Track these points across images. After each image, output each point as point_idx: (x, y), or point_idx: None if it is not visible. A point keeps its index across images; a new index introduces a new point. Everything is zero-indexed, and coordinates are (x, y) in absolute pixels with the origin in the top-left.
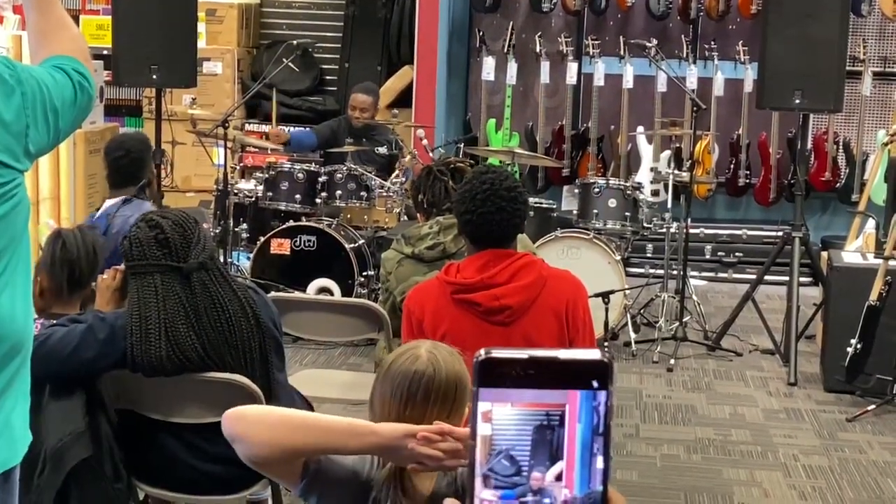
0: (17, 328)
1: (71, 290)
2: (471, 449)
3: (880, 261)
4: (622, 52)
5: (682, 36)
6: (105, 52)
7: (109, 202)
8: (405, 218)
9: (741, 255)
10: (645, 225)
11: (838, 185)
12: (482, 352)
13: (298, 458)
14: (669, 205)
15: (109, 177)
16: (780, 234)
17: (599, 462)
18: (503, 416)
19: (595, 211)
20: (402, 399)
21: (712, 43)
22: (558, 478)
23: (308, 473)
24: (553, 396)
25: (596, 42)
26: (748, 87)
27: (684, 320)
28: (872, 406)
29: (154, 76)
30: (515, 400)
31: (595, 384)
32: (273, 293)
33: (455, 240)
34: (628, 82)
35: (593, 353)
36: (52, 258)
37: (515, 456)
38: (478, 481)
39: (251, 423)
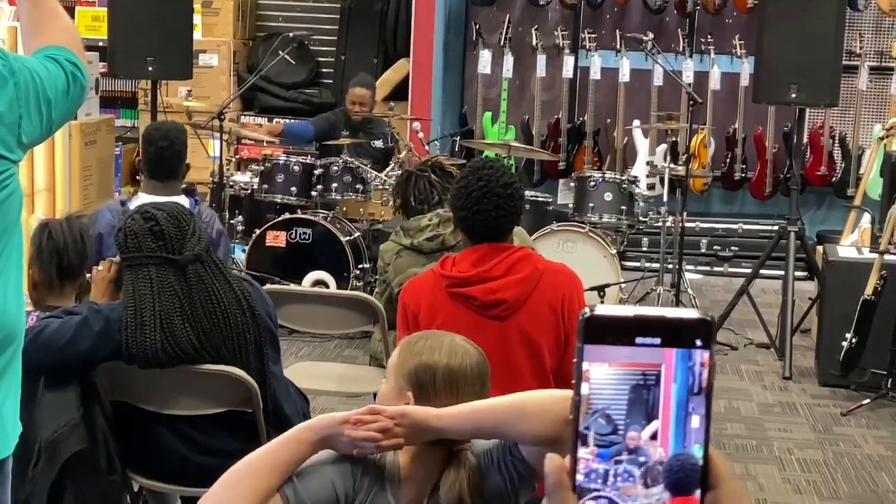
0: (9, 319)
1: (62, 281)
2: (574, 405)
3: (875, 255)
4: (619, 46)
5: (679, 30)
6: (101, 44)
7: (146, 196)
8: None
9: (737, 249)
10: (641, 218)
11: (834, 179)
12: (587, 309)
13: (268, 492)
14: (665, 198)
15: (150, 168)
16: (776, 228)
17: (694, 422)
18: (600, 376)
19: (591, 204)
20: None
21: (709, 37)
22: (653, 437)
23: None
24: (649, 356)
25: (592, 35)
26: (744, 81)
27: None
28: (867, 400)
29: (150, 68)
30: (612, 360)
31: (699, 343)
32: (268, 285)
33: (454, 232)
34: (625, 76)
35: (696, 313)
36: (40, 249)
37: (612, 415)
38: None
39: (217, 493)
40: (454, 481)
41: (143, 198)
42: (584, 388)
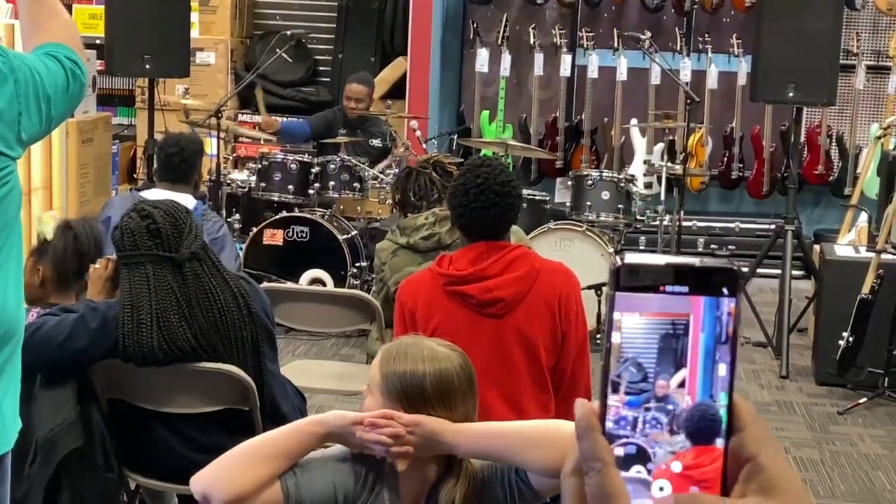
0: (9, 315)
1: (76, 281)
2: (605, 352)
3: (872, 254)
4: (616, 45)
5: (677, 28)
6: (98, 42)
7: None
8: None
9: (734, 247)
10: (638, 217)
11: (831, 178)
12: (617, 258)
13: (268, 478)
14: (662, 197)
15: (158, 170)
16: (773, 227)
17: (721, 370)
18: (631, 325)
19: (588, 203)
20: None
21: (706, 36)
22: (681, 385)
23: (290, 497)
24: (679, 306)
25: (590, 34)
26: (742, 79)
27: None
28: (864, 399)
29: (147, 66)
30: (643, 309)
31: (725, 291)
32: (265, 284)
33: (450, 231)
34: (622, 74)
35: (723, 262)
36: (62, 249)
37: (642, 363)
38: (608, 388)
39: (212, 471)
40: (453, 487)
41: (156, 192)
42: (616, 338)
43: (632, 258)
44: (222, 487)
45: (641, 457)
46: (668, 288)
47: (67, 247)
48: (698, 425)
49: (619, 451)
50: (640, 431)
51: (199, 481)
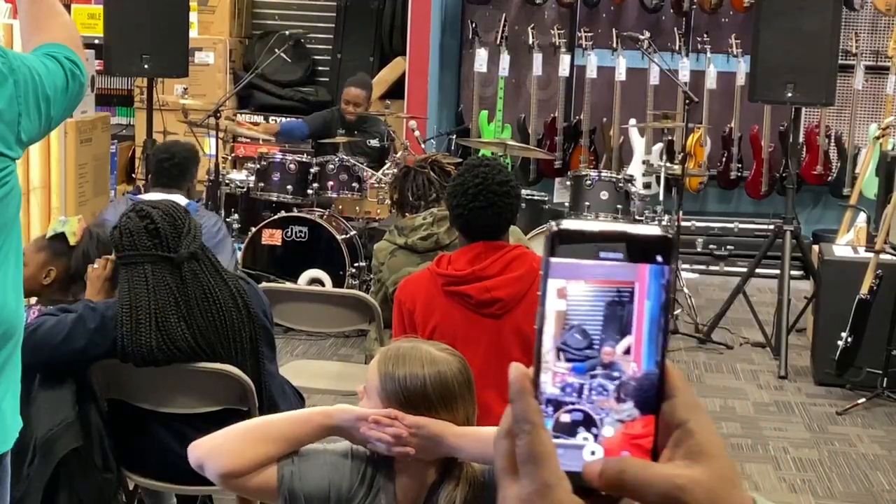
0: (8, 314)
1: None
2: (539, 316)
3: (871, 254)
4: (615, 45)
5: (675, 29)
6: (96, 42)
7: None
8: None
9: (732, 247)
10: (636, 217)
11: (830, 178)
12: (554, 223)
13: (265, 459)
14: (661, 197)
15: (152, 177)
16: (772, 227)
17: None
18: (577, 293)
19: (587, 203)
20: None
21: (705, 36)
22: (626, 352)
23: (283, 482)
24: (624, 273)
25: (589, 34)
26: (740, 80)
27: (675, 313)
28: (862, 399)
29: (145, 66)
30: (589, 277)
31: (659, 259)
32: (264, 284)
33: (448, 231)
34: (621, 75)
35: (657, 230)
36: (84, 255)
37: (588, 330)
38: (551, 354)
39: (212, 441)
40: (453, 490)
41: (149, 196)
42: (562, 305)
43: (567, 224)
44: (219, 459)
45: (588, 423)
46: (603, 254)
47: (90, 254)
48: (647, 394)
49: (566, 418)
50: (587, 398)
51: (198, 448)
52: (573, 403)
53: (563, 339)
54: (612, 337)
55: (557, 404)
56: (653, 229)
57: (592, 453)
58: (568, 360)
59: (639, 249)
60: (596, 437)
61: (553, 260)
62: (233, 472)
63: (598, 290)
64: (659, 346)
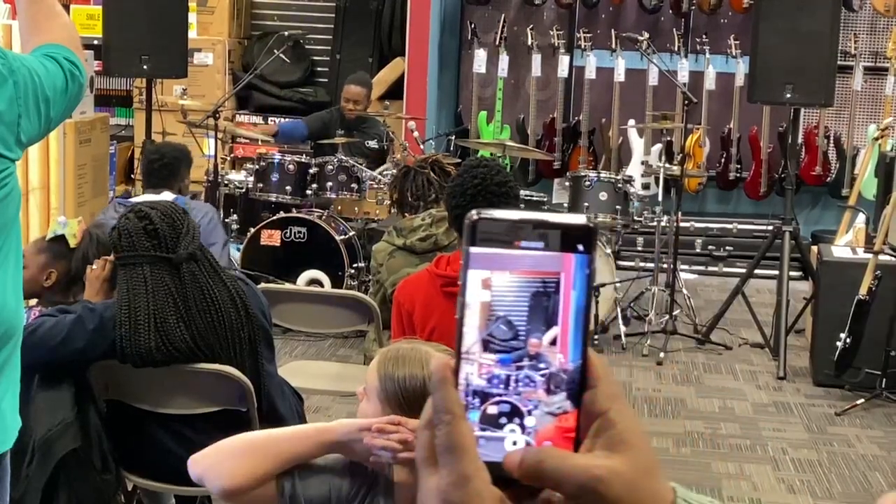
0: (8, 315)
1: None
2: (460, 306)
3: (870, 255)
4: (614, 46)
5: (674, 29)
6: (95, 42)
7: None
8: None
9: (731, 248)
10: (635, 218)
11: (829, 179)
12: (474, 212)
13: (264, 477)
14: (660, 198)
15: (143, 178)
16: (771, 227)
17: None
18: (502, 283)
19: (586, 204)
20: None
21: (704, 37)
22: (553, 343)
23: (284, 495)
24: (550, 264)
25: (588, 35)
26: (739, 80)
27: (674, 314)
28: (861, 400)
29: (144, 66)
30: (514, 267)
31: (580, 248)
32: (263, 284)
33: (447, 232)
34: (620, 75)
35: (580, 219)
36: (84, 258)
37: (513, 321)
38: (477, 345)
39: (212, 457)
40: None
41: (140, 199)
42: (486, 296)
43: (487, 213)
44: (220, 480)
45: (515, 414)
46: (524, 243)
47: (90, 252)
48: (577, 386)
49: (493, 409)
50: (513, 390)
51: (198, 465)
52: (500, 395)
53: (489, 330)
54: (538, 328)
55: (484, 396)
56: (574, 218)
57: (514, 443)
58: (494, 352)
59: (560, 238)
60: (523, 428)
61: (473, 250)
62: (233, 491)
63: (524, 281)
64: (584, 336)
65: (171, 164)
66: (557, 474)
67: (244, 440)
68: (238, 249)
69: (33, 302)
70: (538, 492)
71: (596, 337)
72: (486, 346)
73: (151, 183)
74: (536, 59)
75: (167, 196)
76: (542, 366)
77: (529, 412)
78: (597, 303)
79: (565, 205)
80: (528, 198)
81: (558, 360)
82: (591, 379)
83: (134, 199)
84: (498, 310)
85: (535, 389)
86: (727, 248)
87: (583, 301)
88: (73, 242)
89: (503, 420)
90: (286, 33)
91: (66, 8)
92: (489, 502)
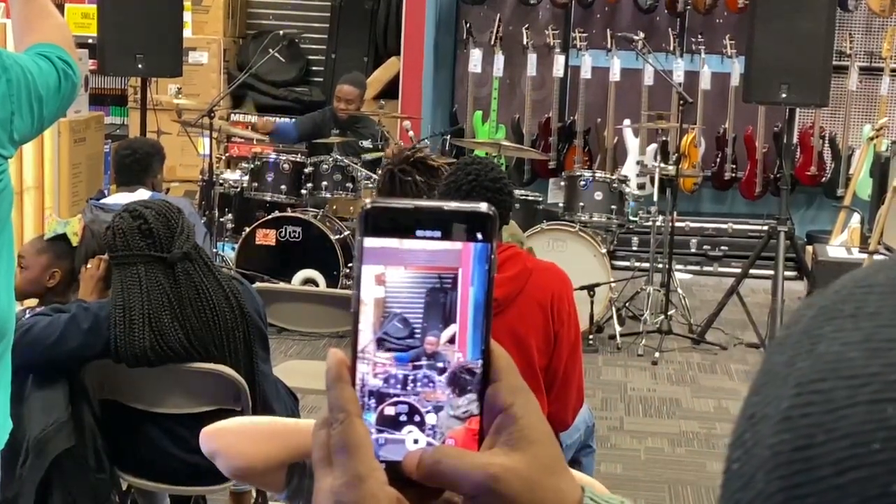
0: (0, 314)
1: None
2: (354, 299)
3: (865, 255)
4: (609, 45)
5: (670, 29)
6: (90, 41)
7: (119, 196)
8: None
9: (726, 248)
10: (631, 218)
11: (824, 179)
12: (368, 201)
13: (278, 465)
14: (655, 198)
15: (115, 174)
16: (766, 228)
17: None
18: (396, 279)
19: (581, 204)
20: None
21: (699, 36)
22: (451, 341)
23: (291, 484)
24: (447, 259)
25: (583, 35)
26: (735, 80)
27: (669, 314)
28: None
29: (139, 65)
30: (409, 263)
31: (479, 236)
32: (258, 284)
33: None
34: (615, 75)
35: (479, 206)
36: (87, 256)
37: (409, 319)
38: (372, 344)
39: (227, 437)
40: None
41: (113, 198)
42: (380, 292)
43: (380, 202)
44: (237, 457)
45: (413, 415)
46: (420, 232)
47: (87, 252)
48: (481, 386)
49: (390, 410)
50: (412, 390)
51: (213, 440)
52: (398, 395)
53: (384, 328)
54: (435, 326)
55: (381, 396)
56: (472, 205)
57: (416, 442)
58: (389, 350)
59: (457, 226)
60: (423, 428)
61: (367, 242)
62: (246, 473)
63: (419, 277)
64: (485, 333)
65: (143, 160)
66: (455, 474)
67: (269, 427)
68: (233, 249)
69: (34, 303)
70: (442, 492)
71: (591, 337)
72: (382, 344)
73: (124, 180)
74: (532, 58)
75: (142, 194)
76: (440, 365)
77: (429, 412)
78: (592, 303)
79: (561, 204)
80: (524, 197)
81: (457, 358)
82: (493, 372)
83: (106, 200)
84: (393, 307)
85: (434, 390)
86: (722, 247)
87: (482, 297)
88: (74, 241)
89: (403, 419)
90: (281, 32)
91: (61, 7)
92: (384, 503)
